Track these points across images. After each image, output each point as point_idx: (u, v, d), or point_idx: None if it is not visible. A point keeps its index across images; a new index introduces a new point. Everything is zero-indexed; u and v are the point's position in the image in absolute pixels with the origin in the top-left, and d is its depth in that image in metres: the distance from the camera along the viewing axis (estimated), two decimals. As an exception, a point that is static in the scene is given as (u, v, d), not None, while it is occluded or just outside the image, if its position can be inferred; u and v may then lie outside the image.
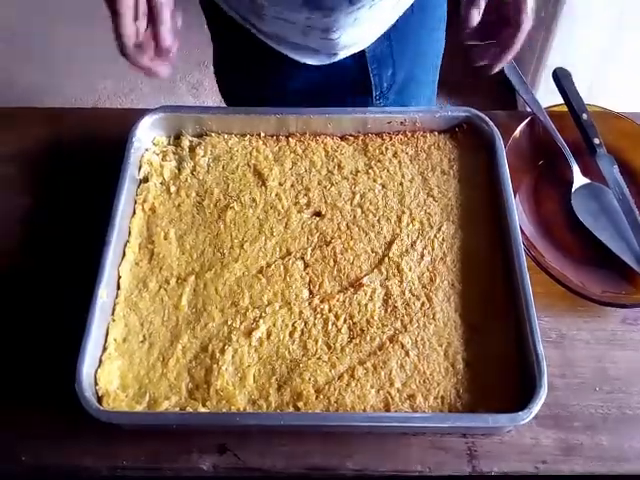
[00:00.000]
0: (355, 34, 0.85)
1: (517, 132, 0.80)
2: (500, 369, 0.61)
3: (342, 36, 0.83)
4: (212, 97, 2.06)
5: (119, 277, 0.68)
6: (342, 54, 0.87)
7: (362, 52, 0.88)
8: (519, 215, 0.74)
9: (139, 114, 0.78)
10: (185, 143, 0.81)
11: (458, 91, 1.85)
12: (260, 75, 0.94)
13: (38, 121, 0.88)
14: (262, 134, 0.81)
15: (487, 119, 0.78)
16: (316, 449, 0.62)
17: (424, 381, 0.61)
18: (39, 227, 0.78)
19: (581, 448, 0.61)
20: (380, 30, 0.88)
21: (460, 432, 0.61)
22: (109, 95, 2.08)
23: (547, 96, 0.86)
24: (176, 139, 0.82)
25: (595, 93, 1.16)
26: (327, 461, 0.61)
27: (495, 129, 0.77)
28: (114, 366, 0.61)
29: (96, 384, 0.59)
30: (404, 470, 0.60)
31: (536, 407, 0.55)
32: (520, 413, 0.55)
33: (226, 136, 0.81)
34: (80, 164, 0.83)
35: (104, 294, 0.63)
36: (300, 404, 0.59)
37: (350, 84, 0.91)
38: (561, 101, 0.84)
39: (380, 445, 0.62)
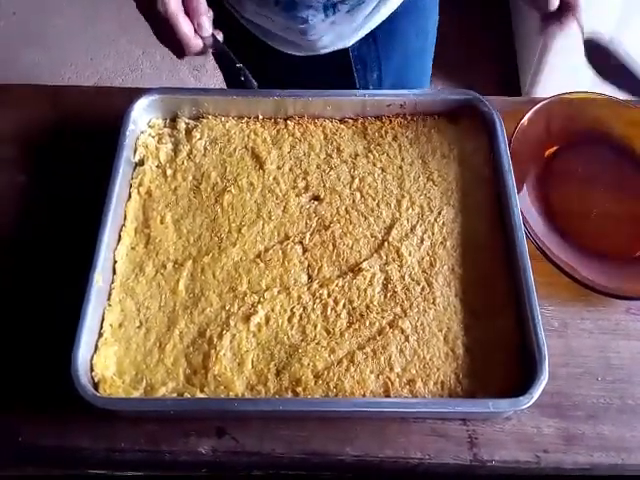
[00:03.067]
0: (335, 36, 0.85)
1: (525, 120, 0.78)
2: (500, 354, 0.61)
3: (322, 38, 0.84)
4: (214, 79, 2.05)
5: (115, 262, 0.67)
6: (324, 51, 0.87)
7: (346, 52, 0.88)
8: (526, 205, 0.73)
9: (137, 93, 0.77)
10: (181, 125, 0.79)
11: (457, 78, 1.84)
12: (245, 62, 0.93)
13: (35, 98, 0.86)
14: (260, 117, 0.80)
15: (487, 102, 0.77)
16: (316, 434, 0.61)
17: (424, 366, 0.60)
18: (34, 208, 0.77)
19: (583, 437, 0.61)
20: (362, 31, 0.87)
21: (460, 417, 0.61)
22: (110, 75, 2.06)
23: (549, 92, 0.83)
24: (172, 121, 0.80)
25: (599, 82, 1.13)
26: (326, 446, 0.61)
27: (496, 112, 0.76)
28: (110, 352, 0.61)
29: (92, 370, 0.58)
30: (404, 457, 0.60)
31: (537, 392, 0.55)
32: (521, 398, 0.55)
33: (223, 119, 0.80)
34: (76, 144, 0.81)
35: (100, 279, 0.63)
36: (299, 389, 0.58)
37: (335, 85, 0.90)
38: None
39: (380, 431, 0.61)
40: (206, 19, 0.68)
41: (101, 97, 0.87)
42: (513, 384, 0.59)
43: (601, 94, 0.80)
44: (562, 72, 0.74)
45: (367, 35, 0.88)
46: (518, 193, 0.70)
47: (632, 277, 0.70)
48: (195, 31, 0.67)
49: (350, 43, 0.87)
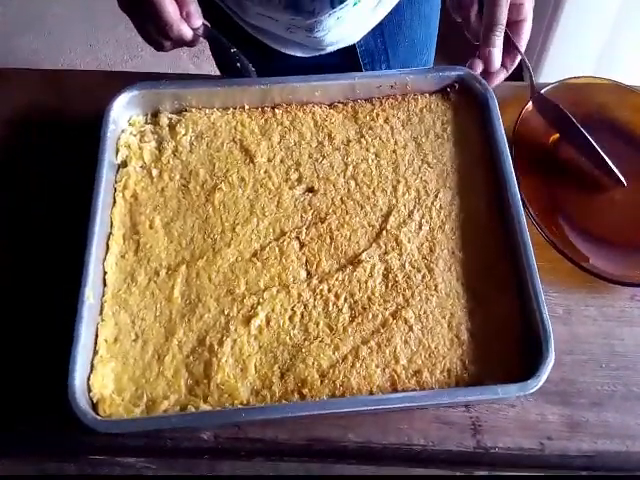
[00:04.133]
0: (341, 32, 0.82)
1: (529, 105, 0.75)
2: (505, 338, 0.60)
3: (327, 35, 0.81)
4: (214, 65, 2.02)
5: (105, 273, 0.64)
6: (330, 49, 0.85)
7: (352, 47, 0.86)
8: (530, 191, 0.71)
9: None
10: (164, 121, 0.76)
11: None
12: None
13: (26, 83, 0.83)
14: (246, 106, 0.77)
15: (479, 77, 0.74)
16: (318, 421, 0.60)
17: (429, 355, 0.59)
18: (16, 211, 0.74)
19: (587, 425, 0.60)
20: (368, 26, 0.85)
21: (468, 404, 0.60)
22: (109, 62, 2.02)
23: (552, 78, 0.80)
24: (154, 117, 0.77)
25: (603, 66, 1.09)
26: (329, 433, 0.60)
27: (488, 87, 0.73)
28: (107, 369, 0.59)
29: (90, 390, 0.56)
30: (407, 443, 0.59)
31: (544, 374, 0.54)
32: (529, 382, 0.54)
33: (208, 111, 0.77)
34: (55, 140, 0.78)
35: (90, 296, 0.60)
36: (305, 391, 0.57)
37: None
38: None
39: (383, 418, 0.60)
40: (195, 7, 0.65)
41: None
42: (519, 367, 0.57)
43: (606, 79, 0.77)
44: (565, 58, 0.72)
45: (373, 28, 0.86)
46: (522, 178, 0.68)
47: (637, 264, 0.68)
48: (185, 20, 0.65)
49: (357, 39, 0.86)
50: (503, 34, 0.68)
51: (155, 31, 0.67)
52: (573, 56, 0.77)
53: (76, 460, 0.59)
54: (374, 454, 0.58)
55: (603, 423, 0.60)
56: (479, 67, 0.71)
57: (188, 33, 0.67)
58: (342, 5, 0.77)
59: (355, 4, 0.78)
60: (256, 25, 0.83)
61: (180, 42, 0.68)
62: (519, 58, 0.72)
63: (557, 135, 0.77)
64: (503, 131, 0.69)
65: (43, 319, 0.65)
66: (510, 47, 0.71)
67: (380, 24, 0.86)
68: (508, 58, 0.71)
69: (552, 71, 0.78)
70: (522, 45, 0.70)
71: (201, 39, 0.71)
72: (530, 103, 0.76)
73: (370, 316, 0.61)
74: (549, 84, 0.78)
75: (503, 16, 0.67)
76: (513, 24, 0.70)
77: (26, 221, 0.73)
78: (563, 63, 0.77)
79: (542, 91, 0.76)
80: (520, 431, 0.59)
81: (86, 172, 0.66)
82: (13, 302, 0.67)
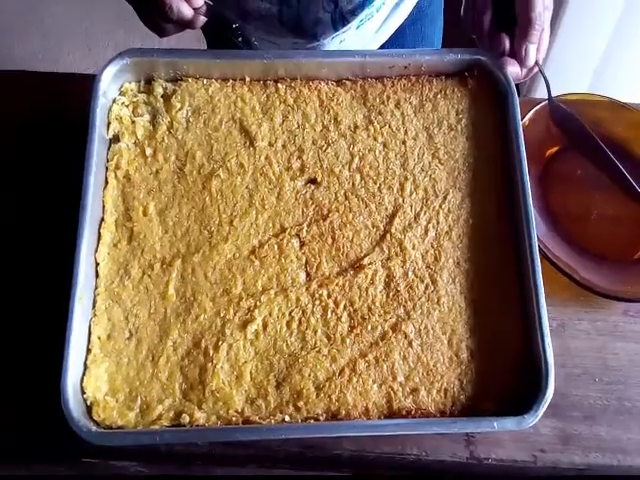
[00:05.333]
0: None
1: (526, 120, 0.73)
2: (504, 361, 0.59)
3: None
4: None
5: (97, 264, 0.62)
6: None
7: None
8: None
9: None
10: (158, 90, 0.71)
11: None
12: None
13: (25, 86, 0.79)
14: (247, 78, 0.71)
15: (501, 65, 0.68)
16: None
17: (427, 373, 0.58)
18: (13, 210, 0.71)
19: (579, 438, 0.61)
20: (372, 47, 0.85)
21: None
22: None
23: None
24: (147, 84, 0.72)
25: (600, 83, 1.06)
26: (323, 441, 0.61)
27: (509, 78, 0.68)
28: (101, 369, 0.58)
29: (83, 392, 0.56)
30: (401, 453, 0.60)
31: (542, 409, 0.54)
32: (526, 417, 0.54)
33: (205, 81, 0.71)
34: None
35: (82, 289, 0.58)
36: (300, 403, 0.57)
37: None
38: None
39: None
40: None
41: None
42: (516, 393, 0.57)
43: (602, 96, 0.76)
44: (561, 74, 0.70)
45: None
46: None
47: (631, 279, 0.68)
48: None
49: None
50: (540, 32, 0.64)
51: (157, 14, 0.62)
52: (569, 73, 0.75)
53: (68, 462, 0.59)
54: (367, 463, 0.59)
55: (596, 437, 0.61)
56: (510, 66, 0.67)
57: (188, 12, 0.61)
58: (345, 28, 0.75)
59: (358, 27, 0.77)
60: (259, 48, 0.80)
61: (181, 23, 0.63)
62: (536, 68, 0.68)
63: (555, 148, 0.76)
64: (522, 132, 0.65)
65: (34, 314, 0.63)
66: None
67: (382, 46, 0.86)
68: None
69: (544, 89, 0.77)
70: (541, 54, 0.67)
71: (202, 21, 0.65)
72: (527, 117, 0.74)
73: (369, 327, 0.60)
74: (545, 99, 0.75)
75: (541, 13, 0.63)
76: None
77: (21, 220, 0.71)
78: (558, 79, 0.75)
79: (539, 106, 0.74)
80: (513, 443, 0.60)
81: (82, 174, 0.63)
82: (3, 295, 0.66)
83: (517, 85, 0.70)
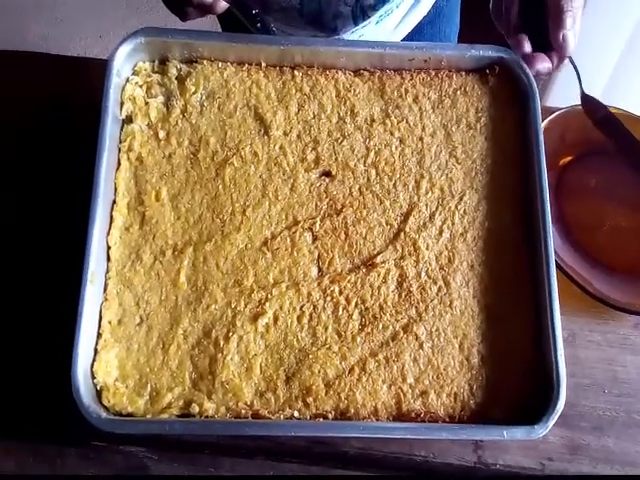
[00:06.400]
0: None
1: (545, 123, 0.72)
2: (515, 367, 0.59)
3: None
4: None
5: (108, 248, 0.61)
6: None
7: None
8: None
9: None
10: (172, 72, 0.69)
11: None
12: None
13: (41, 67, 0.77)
14: (263, 64, 0.70)
15: (524, 64, 0.67)
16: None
17: (437, 376, 0.59)
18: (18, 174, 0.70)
19: (587, 448, 0.62)
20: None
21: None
22: None
23: (561, 99, 0.79)
24: (162, 64, 0.70)
25: (611, 94, 1.06)
26: (332, 437, 0.61)
27: (532, 78, 0.67)
28: (111, 355, 0.58)
29: (93, 377, 0.56)
30: (408, 453, 0.61)
31: (552, 420, 0.54)
32: (536, 427, 0.54)
33: (220, 64, 0.70)
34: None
35: (94, 272, 0.57)
36: (309, 400, 0.57)
37: None
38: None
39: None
40: None
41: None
42: (526, 399, 0.58)
43: (616, 108, 0.75)
44: (573, 84, 0.69)
45: None
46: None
47: None
48: None
49: None
50: (573, 17, 0.62)
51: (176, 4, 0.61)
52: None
53: (77, 444, 0.59)
54: (374, 462, 0.60)
55: (604, 448, 0.62)
56: (539, 63, 0.64)
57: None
58: (365, 23, 0.74)
59: (378, 22, 0.76)
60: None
61: (202, 6, 0.61)
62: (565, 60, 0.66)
63: (569, 158, 0.76)
64: (542, 135, 0.65)
65: (46, 297, 0.62)
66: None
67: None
68: (555, 57, 0.66)
69: (559, 96, 0.76)
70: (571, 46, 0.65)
71: (223, 7, 0.63)
72: (542, 125, 0.72)
73: (380, 326, 0.60)
74: (560, 108, 0.75)
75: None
76: None
77: (33, 200, 0.70)
78: (570, 89, 0.74)
79: (554, 115, 0.74)
80: (521, 450, 0.61)
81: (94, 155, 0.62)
82: (17, 280, 0.66)
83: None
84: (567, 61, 0.66)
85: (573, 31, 0.62)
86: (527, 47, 0.65)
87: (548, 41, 0.64)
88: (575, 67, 0.68)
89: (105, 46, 1.96)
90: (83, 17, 1.97)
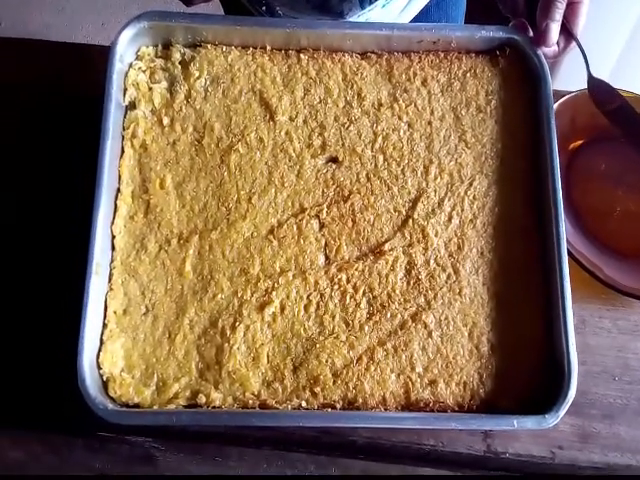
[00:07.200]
0: None
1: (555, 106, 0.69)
2: (525, 353, 0.59)
3: None
4: None
5: (113, 237, 0.61)
6: None
7: None
8: None
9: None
10: (176, 56, 0.68)
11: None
12: None
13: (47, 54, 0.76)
14: (268, 47, 0.68)
15: (535, 47, 0.65)
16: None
17: (446, 365, 0.58)
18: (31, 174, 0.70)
19: (598, 436, 0.61)
20: None
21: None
22: None
23: (568, 83, 0.76)
24: (165, 49, 0.69)
25: (620, 76, 1.03)
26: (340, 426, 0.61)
27: (543, 61, 0.65)
28: (117, 345, 0.57)
29: (99, 368, 0.55)
30: (417, 442, 0.60)
31: (563, 410, 0.54)
32: (547, 416, 0.53)
33: (225, 48, 0.68)
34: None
35: (99, 268, 0.57)
36: (317, 389, 0.57)
37: None
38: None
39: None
40: None
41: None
42: (537, 387, 0.57)
43: (627, 91, 0.73)
44: (581, 67, 0.66)
45: None
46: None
47: None
48: None
49: None
50: (564, 9, 0.61)
51: None
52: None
53: (84, 435, 0.59)
54: (383, 451, 0.59)
55: (614, 436, 0.61)
56: (544, 45, 0.64)
57: None
58: (371, 6, 0.73)
59: (384, 6, 0.75)
60: None
61: None
62: (573, 43, 0.65)
63: (579, 142, 0.75)
64: (554, 119, 0.63)
65: (50, 288, 0.62)
66: (564, 31, 0.64)
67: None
68: (561, 40, 0.64)
69: (567, 79, 0.74)
70: (578, 28, 0.63)
71: None
72: (555, 107, 0.70)
73: (389, 315, 0.59)
74: (570, 92, 0.73)
75: None
76: (568, 6, 0.62)
77: (21, 220, 0.69)
78: (579, 72, 0.72)
79: (564, 98, 0.72)
80: (531, 438, 0.60)
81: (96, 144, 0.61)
82: (20, 273, 0.65)
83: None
84: (574, 45, 0.65)
85: (559, 23, 0.62)
86: (530, 30, 0.64)
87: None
88: (582, 50, 0.66)
89: (107, 34, 1.95)
90: (86, 5, 1.97)
